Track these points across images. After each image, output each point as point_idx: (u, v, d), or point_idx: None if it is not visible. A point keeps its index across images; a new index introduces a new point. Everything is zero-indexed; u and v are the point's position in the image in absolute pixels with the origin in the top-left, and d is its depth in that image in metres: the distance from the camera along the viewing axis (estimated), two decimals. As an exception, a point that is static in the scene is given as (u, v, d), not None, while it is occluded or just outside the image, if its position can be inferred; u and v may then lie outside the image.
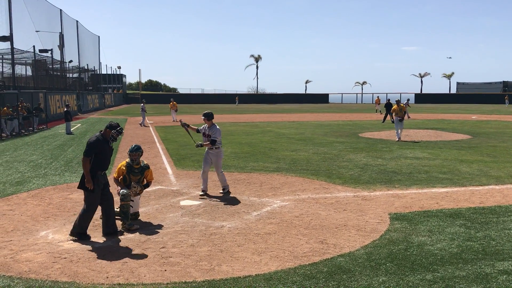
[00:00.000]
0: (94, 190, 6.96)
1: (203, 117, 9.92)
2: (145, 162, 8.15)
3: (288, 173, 12.26)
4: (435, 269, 5.67)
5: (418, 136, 22.25)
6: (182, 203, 9.17)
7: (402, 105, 20.71)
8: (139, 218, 8.00)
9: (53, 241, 6.88)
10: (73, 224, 7.14)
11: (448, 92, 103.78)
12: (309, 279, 5.43)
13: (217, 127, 9.95)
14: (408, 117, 37.10)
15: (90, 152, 6.99)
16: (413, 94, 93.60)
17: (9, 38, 31.38)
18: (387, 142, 19.58)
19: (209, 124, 9.90)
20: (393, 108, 20.82)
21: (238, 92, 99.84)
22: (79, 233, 6.95)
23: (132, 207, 7.79)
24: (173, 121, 33.37)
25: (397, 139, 19.95)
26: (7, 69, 36.19)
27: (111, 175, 8.59)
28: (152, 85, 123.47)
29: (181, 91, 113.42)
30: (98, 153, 7.04)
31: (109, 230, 7.12)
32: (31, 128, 26.73)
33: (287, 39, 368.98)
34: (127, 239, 6.96)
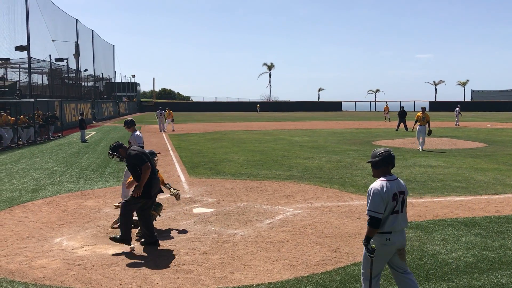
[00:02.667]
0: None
1: (124, 126, 9.82)
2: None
3: (301, 181, 12.23)
4: (450, 278, 5.59)
5: (433, 144, 22.05)
6: (195, 210, 9.19)
7: (426, 113, 19.73)
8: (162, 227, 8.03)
9: (68, 248, 6.94)
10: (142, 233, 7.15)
11: (463, 100, 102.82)
12: (322, 287, 5.40)
13: (138, 133, 9.70)
14: (458, 124, 36.90)
15: (145, 159, 6.99)
16: (427, 102, 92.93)
17: (26, 48, 31.89)
18: (401, 150, 19.44)
19: (131, 131, 9.76)
20: (417, 115, 19.74)
21: (250, 101, 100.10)
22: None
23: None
24: (162, 131, 32.16)
25: (419, 148, 19.34)
26: (24, 78, 36.77)
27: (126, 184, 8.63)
28: (166, 93, 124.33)
29: (194, 99, 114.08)
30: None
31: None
32: (47, 136, 27.09)
33: (299, 47, 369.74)
34: (140, 247, 6.99)
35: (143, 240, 7.13)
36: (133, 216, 7.09)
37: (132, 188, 7.31)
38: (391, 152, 4.75)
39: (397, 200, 4.51)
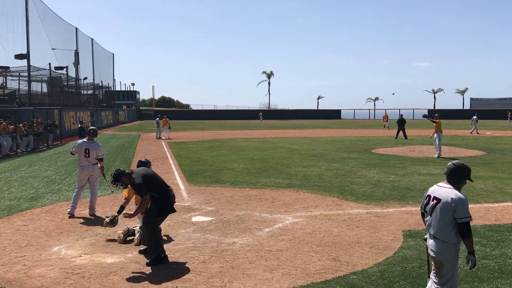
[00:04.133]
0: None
1: (88, 135, 10.12)
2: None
3: (300, 189, 12.21)
4: (450, 287, 5.56)
5: (432, 152, 22.06)
6: (194, 219, 9.17)
7: (438, 120, 20.37)
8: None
9: (66, 257, 6.91)
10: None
11: (462, 108, 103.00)
12: (321, 297, 5.37)
13: (99, 143, 10.10)
14: (477, 132, 37.22)
15: (145, 191, 6.76)
16: (426, 110, 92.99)
17: (26, 56, 31.96)
18: (400, 158, 19.44)
19: (91, 140, 10.03)
20: (438, 123, 20.45)
21: (250, 109, 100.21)
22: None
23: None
24: (158, 138, 33.11)
25: (436, 156, 19.73)
26: (23, 86, 36.83)
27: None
28: (165, 101, 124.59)
29: (194, 107, 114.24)
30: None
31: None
32: (46, 144, 27.07)
33: (299, 55, 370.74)
34: (138, 256, 6.96)
35: (141, 249, 7.07)
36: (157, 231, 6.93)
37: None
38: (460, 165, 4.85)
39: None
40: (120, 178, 6.90)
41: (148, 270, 6.32)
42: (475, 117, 40.07)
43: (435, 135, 20.21)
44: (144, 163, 7.79)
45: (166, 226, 8.57)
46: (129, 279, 5.98)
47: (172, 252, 7.08)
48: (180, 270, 6.29)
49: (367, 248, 7.16)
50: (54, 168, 17.22)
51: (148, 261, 6.60)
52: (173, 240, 7.73)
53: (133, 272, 6.24)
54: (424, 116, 22.45)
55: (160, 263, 6.51)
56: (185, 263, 6.57)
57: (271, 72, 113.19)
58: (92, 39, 59.52)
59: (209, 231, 8.27)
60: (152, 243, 6.64)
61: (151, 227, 6.74)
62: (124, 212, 7.09)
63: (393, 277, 5.92)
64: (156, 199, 6.73)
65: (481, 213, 9.41)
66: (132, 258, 6.82)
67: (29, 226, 8.72)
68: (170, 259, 6.70)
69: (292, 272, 6.19)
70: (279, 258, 6.76)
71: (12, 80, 37.27)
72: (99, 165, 9.93)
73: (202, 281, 5.88)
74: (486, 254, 6.82)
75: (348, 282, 5.77)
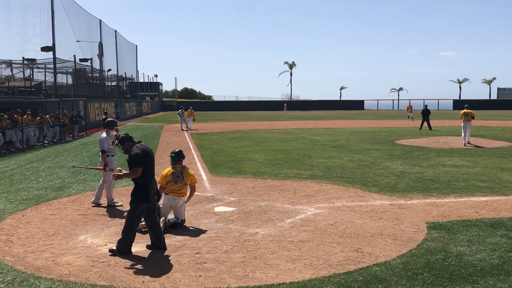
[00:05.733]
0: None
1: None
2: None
3: (322, 180, 12.17)
4: (475, 280, 5.50)
5: (457, 143, 21.69)
6: (217, 209, 9.24)
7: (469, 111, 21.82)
8: (185, 224, 8.10)
9: (92, 245, 7.06)
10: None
11: (489, 98, 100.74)
12: (343, 287, 5.37)
13: (103, 135, 9.90)
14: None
15: (139, 163, 6.82)
16: (452, 100, 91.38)
17: (51, 48, 32.54)
18: (424, 149, 19.17)
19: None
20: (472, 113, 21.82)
21: (272, 99, 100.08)
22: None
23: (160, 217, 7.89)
24: (182, 129, 33.25)
25: (464, 143, 21.07)
26: (49, 78, 37.56)
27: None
28: (188, 92, 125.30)
29: (215, 98, 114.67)
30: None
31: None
32: (72, 135, 27.59)
33: (321, 45, 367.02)
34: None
35: (149, 244, 6.96)
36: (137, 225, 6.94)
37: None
38: None
39: None
40: (124, 143, 7.07)
41: (172, 259, 6.42)
42: None
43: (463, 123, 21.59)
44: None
45: (189, 216, 8.67)
46: (153, 268, 6.09)
47: (195, 241, 7.16)
48: (203, 259, 6.37)
49: (390, 240, 7.11)
50: (80, 159, 17.54)
51: (114, 247, 6.68)
52: (196, 230, 7.81)
53: (157, 261, 6.34)
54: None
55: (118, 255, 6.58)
56: (208, 252, 6.64)
57: (293, 62, 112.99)
58: (115, 31, 60.20)
59: (231, 221, 8.33)
60: (124, 237, 6.65)
61: (130, 218, 6.75)
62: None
63: (417, 269, 5.87)
64: (139, 182, 6.78)
65: (508, 206, 9.23)
66: (156, 247, 6.92)
67: (56, 215, 8.93)
68: (193, 249, 6.78)
69: (314, 263, 6.20)
70: (301, 248, 6.78)
71: (38, 72, 38.07)
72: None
73: (225, 271, 5.94)
74: (512, 247, 6.69)
75: (371, 274, 5.75)
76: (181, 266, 6.13)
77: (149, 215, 6.91)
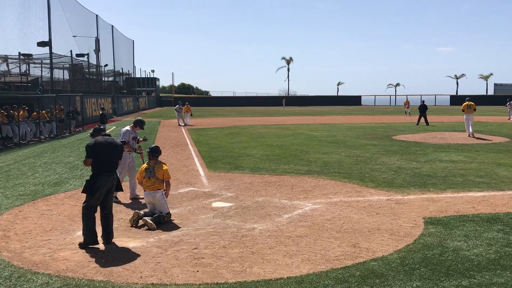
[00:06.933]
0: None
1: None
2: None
3: (319, 176, 12.19)
4: (471, 275, 5.52)
5: (454, 138, 21.74)
6: (214, 204, 9.24)
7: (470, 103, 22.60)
8: (172, 219, 8.11)
9: (89, 241, 7.04)
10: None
11: (485, 94, 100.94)
12: (341, 282, 5.39)
13: (123, 129, 10.06)
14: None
15: (90, 154, 7.07)
16: (449, 96, 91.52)
17: (48, 44, 32.42)
18: (421, 144, 19.21)
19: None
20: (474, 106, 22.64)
21: (269, 95, 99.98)
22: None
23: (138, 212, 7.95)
24: (179, 125, 32.99)
25: (469, 134, 22.12)
26: (45, 73, 37.40)
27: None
28: (185, 88, 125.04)
29: (213, 94, 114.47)
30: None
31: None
32: (68, 131, 27.52)
33: (319, 40, 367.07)
34: (160, 240, 7.07)
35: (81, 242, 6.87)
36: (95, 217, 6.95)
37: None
38: None
39: None
40: (93, 134, 7.60)
41: (169, 254, 6.42)
42: (511, 102, 38.57)
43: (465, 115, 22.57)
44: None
45: (187, 211, 8.67)
46: (151, 263, 6.09)
47: (193, 237, 7.16)
48: (201, 254, 6.37)
49: (387, 235, 7.13)
50: (77, 154, 17.51)
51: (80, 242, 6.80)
52: (194, 225, 7.82)
53: (154, 256, 6.35)
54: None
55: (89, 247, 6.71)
56: (206, 247, 6.64)
57: (291, 58, 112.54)
58: (112, 26, 59.91)
59: (229, 216, 8.33)
60: (83, 229, 6.82)
61: (83, 209, 6.92)
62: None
63: (414, 264, 5.90)
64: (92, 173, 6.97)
65: (505, 201, 9.26)
66: (154, 243, 6.93)
67: (53, 211, 8.92)
68: (190, 244, 6.78)
69: (311, 258, 6.21)
70: (299, 244, 6.79)
71: (34, 67, 37.93)
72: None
73: (222, 266, 5.95)
74: (509, 242, 6.73)
75: (368, 269, 5.77)
76: (178, 261, 6.13)
77: (103, 204, 7.05)
